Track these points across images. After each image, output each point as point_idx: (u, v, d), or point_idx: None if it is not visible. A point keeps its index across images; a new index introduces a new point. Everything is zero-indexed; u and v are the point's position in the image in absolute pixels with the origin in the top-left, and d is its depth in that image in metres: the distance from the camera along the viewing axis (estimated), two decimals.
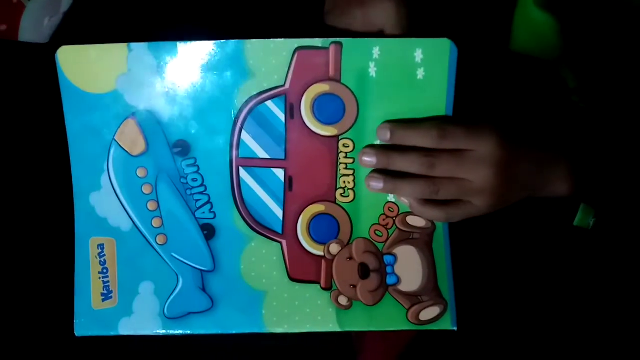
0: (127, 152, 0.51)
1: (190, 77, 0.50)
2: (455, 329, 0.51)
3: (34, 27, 0.58)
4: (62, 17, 0.59)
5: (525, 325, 0.56)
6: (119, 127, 0.51)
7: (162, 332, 0.52)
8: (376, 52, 0.50)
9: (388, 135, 0.50)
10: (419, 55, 0.50)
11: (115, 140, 0.51)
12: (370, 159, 0.50)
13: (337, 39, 0.50)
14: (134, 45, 0.50)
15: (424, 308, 0.51)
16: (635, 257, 0.54)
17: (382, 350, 0.60)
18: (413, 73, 0.50)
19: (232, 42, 0.50)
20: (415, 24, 0.51)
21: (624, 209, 0.51)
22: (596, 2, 0.55)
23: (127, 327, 0.52)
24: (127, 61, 0.50)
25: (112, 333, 0.52)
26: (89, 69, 0.50)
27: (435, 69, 0.50)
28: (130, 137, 0.51)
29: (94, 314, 0.51)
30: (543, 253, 0.57)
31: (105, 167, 0.51)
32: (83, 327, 0.52)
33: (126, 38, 0.50)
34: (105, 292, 0.52)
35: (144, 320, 0.52)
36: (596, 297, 0.56)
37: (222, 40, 0.50)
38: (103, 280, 0.52)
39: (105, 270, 0.52)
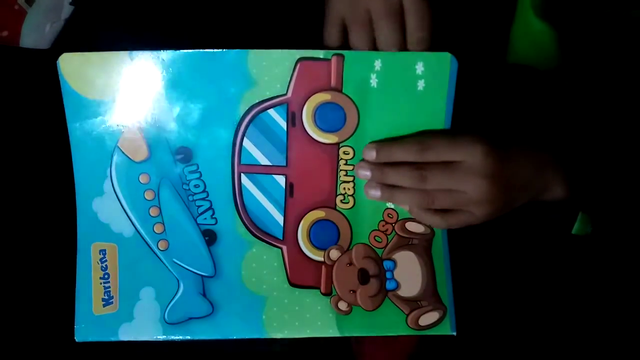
0: (129, 158, 0.51)
1: (193, 85, 0.50)
2: (455, 334, 0.52)
3: (35, 33, 0.58)
4: (63, 24, 0.59)
5: (525, 331, 0.57)
6: (121, 133, 0.51)
7: (162, 337, 0.52)
8: (377, 64, 0.50)
9: (374, 154, 0.50)
10: (419, 67, 0.50)
11: (118, 147, 0.51)
12: (365, 173, 0.51)
13: (339, 51, 0.50)
14: (135, 52, 0.50)
15: (424, 313, 0.52)
16: (633, 262, 0.54)
17: (382, 357, 0.60)
18: (413, 84, 0.51)
19: (235, 51, 0.50)
20: None
21: (620, 213, 0.51)
22: (595, 12, 0.55)
23: (127, 333, 0.51)
24: (129, 68, 0.50)
25: (113, 338, 0.51)
26: (91, 76, 0.50)
27: (436, 81, 0.50)
28: (133, 144, 0.51)
29: (94, 319, 0.51)
30: (541, 258, 0.57)
31: (108, 173, 0.51)
32: (83, 333, 0.51)
33: (127, 45, 0.50)
34: (106, 297, 0.52)
35: (144, 325, 0.52)
36: (595, 302, 0.56)
37: (225, 49, 0.50)
38: (104, 286, 0.52)
39: (106, 276, 0.52)
